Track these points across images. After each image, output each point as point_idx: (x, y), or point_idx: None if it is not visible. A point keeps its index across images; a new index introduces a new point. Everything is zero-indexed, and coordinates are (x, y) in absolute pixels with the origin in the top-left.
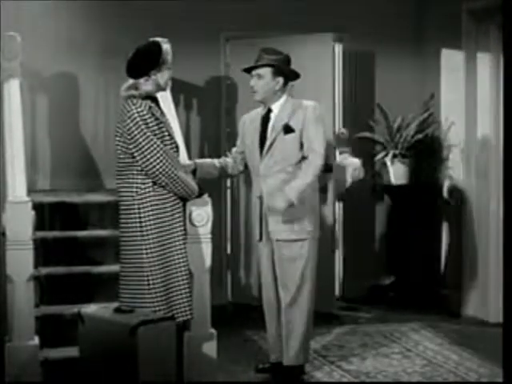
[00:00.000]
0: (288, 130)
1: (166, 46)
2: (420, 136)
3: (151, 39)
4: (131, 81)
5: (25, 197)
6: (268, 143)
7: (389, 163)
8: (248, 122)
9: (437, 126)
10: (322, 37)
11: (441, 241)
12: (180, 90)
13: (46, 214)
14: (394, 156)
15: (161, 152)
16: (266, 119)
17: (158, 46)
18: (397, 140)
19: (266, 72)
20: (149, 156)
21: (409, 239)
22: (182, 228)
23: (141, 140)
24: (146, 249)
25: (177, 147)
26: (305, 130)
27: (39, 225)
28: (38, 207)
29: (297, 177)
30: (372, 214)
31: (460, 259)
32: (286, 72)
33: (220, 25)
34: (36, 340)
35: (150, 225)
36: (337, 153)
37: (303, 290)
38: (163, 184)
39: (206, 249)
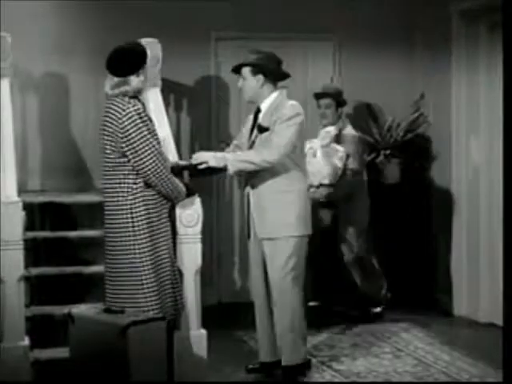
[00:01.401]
0: (262, 129)
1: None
2: (410, 136)
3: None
4: (116, 79)
5: (15, 197)
6: (250, 142)
7: (380, 163)
8: (247, 121)
9: (427, 125)
10: (312, 37)
11: (432, 240)
12: (170, 90)
13: (37, 215)
14: (385, 156)
15: (155, 152)
16: (255, 118)
17: (142, 46)
18: (387, 140)
19: (247, 71)
20: (143, 156)
21: (400, 239)
22: (168, 228)
23: (136, 139)
24: (138, 249)
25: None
26: (274, 127)
27: (30, 225)
28: (28, 207)
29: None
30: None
31: (451, 259)
32: (266, 69)
33: (210, 25)
34: (26, 341)
35: (142, 225)
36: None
37: (289, 288)
38: (153, 184)
39: (196, 249)
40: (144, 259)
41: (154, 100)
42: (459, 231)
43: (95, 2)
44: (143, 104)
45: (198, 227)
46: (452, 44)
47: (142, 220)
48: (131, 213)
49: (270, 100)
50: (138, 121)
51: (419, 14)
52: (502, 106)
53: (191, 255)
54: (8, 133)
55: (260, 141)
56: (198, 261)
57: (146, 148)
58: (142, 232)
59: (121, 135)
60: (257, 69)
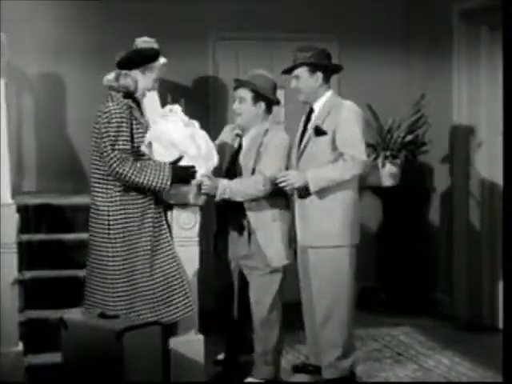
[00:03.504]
0: (319, 132)
1: (163, 60)
2: (411, 137)
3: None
4: (117, 71)
5: (9, 199)
6: (302, 147)
7: (380, 165)
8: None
9: (428, 126)
10: (312, 37)
11: (432, 242)
12: (167, 90)
13: (32, 217)
14: (385, 157)
15: (119, 156)
16: (307, 119)
17: (155, 53)
18: (387, 141)
19: (303, 71)
20: (107, 158)
21: (400, 241)
22: (151, 236)
23: (105, 139)
24: (112, 253)
25: None
26: (339, 132)
27: (24, 227)
28: (23, 209)
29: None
30: (362, 216)
31: (452, 261)
32: (323, 67)
33: (209, 24)
34: (20, 346)
35: (118, 230)
36: None
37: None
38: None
39: (194, 252)
40: (116, 264)
41: (150, 99)
42: (461, 233)
43: (92, 2)
44: (138, 105)
45: (196, 230)
46: (453, 44)
47: (118, 225)
48: (108, 217)
49: (324, 99)
50: (114, 121)
51: (420, 13)
52: (502, 105)
53: (188, 258)
54: (2, 134)
55: (315, 146)
56: (196, 264)
57: (111, 150)
58: (117, 237)
59: (99, 135)
60: (314, 67)
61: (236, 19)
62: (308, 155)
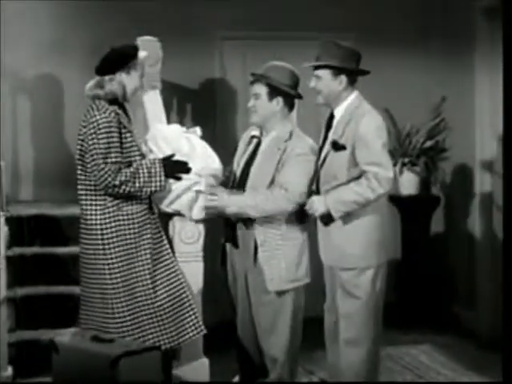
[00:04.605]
0: (338, 147)
1: (144, 54)
2: (430, 143)
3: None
4: (96, 79)
5: None
6: (320, 161)
7: (398, 172)
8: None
9: (448, 131)
10: (326, 37)
11: (452, 254)
12: (173, 93)
13: (26, 228)
14: (403, 164)
15: (113, 169)
16: (328, 126)
17: (134, 49)
18: (406, 147)
19: (325, 72)
20: (101, 172)
21: (418, 252)
22: (151, 251)
23: (94, 152)
24: (109, 272)
25: (143, 156)
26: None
27: (17, 240)
28: (16, 221)
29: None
30: None
31: (474, 273)
32: (349, 70)
33: (216, 22)
34: (9, 371)
35: (114, 247)
36: None
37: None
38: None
39: (198, 268)
40: (115, 283)
41: (152, 104)
42: (483, 242)
43: (92, 1)
44: (125, 111)
45: (200, 244)
46: (475, 43)
47: (113, 242)
48: (102, 234)
49: (346, 104)
50: (102, 131)
51: (439, 11)
52: (503, 105)
53: (192, 275)
54: None
55: (334, 161)
56: (200, 282)
57: (100, 162)
58: (113, 255)
59: (86, 145)
60: (339, 70)
61: (247, 16)
62: (327, 171)
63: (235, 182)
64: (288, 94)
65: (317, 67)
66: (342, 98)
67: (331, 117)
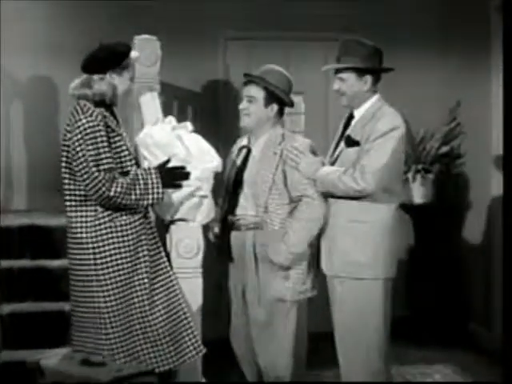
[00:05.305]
0: (351, 142)
1: (136, 54)
2: (445, 149)
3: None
4: (84, 76)
5: None
6: (333, 158)
7: (411, 179)
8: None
9: (464, 137)
10: (335, 36)
11: (467, 264)
12: (173, 95)
13: (16, 240)
14: (417, 171)
15: (107, 177)
16: (345, 126)
17: (127, 47)
18: (419, 153)
19: (349, 75)
20: (95, 181)
21: (432, 265)
22: (148, 267)
23: (83, 159)
24: (102, 290)
25: (135, 160)
26: (366, 145)
27: (5, 252)
28: (5, 231)
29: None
30: None
31: (489, 288)
32: (374, 70)
33: (219, 22)
34: None
35: (106, 262)
36: None
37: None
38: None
39: (197, 285)
40: (109, 301)
41: (149, 106)
42: (499, 255)
43: (92, 1)
44: (112, 113)
45: (199, 259)
46: (491, 45)
47: (106, 257)
48: (93, 248)
49: (367, 105)
50: (89, 136)
51: (457, 13)
52: (503, 105)
53: (190, 292)
54: None
55: (346, 157)
56: (199, 299)
57: (88, 170)
58: (105, 272)
59: (73, 151)
60: (364, 70)
61: (251, 15)
62: (338, 167)
63: (228, 192)
64: (283, 100)
65: (340, 71)
66: (364, 98)
67: (350, 117)
